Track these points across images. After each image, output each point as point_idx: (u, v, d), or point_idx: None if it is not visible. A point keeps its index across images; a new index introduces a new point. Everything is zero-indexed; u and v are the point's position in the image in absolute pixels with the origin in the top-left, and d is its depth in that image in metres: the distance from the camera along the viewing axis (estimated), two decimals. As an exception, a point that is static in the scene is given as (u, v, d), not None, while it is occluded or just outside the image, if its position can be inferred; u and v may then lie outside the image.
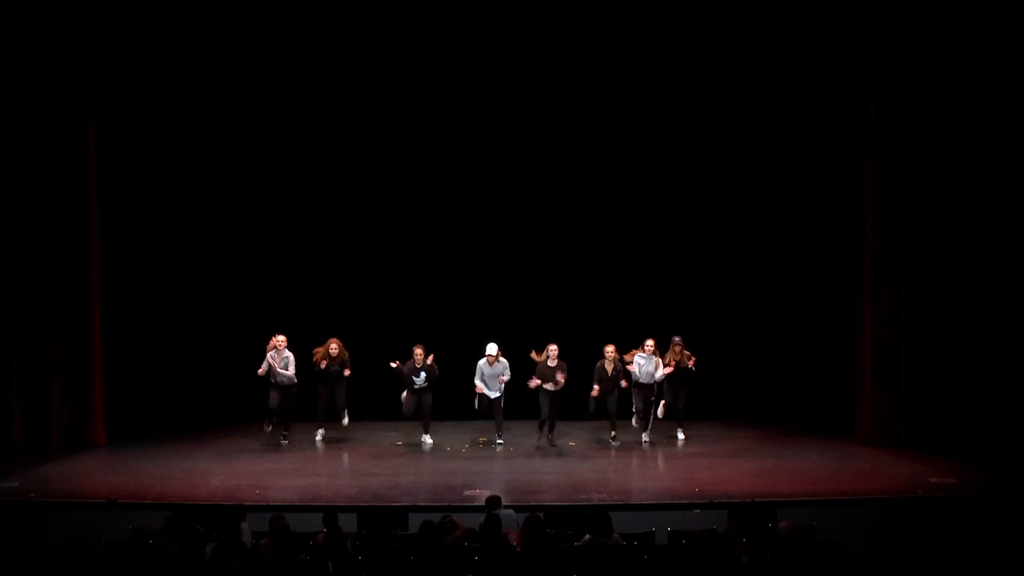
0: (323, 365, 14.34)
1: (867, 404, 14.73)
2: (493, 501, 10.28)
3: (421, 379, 13.99)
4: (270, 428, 14.49)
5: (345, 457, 14.12)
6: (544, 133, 16.15)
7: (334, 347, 14.37)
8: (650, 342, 14.25)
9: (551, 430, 14.39)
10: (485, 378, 14.31)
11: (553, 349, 14.17)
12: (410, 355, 14.14)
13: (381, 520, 10.48)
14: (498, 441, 14.43)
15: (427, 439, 14.45)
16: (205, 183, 16.03)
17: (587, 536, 9.04)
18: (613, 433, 14.53)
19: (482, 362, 14.32)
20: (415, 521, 10.50)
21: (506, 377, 14.29)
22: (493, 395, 14.36)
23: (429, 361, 14.03)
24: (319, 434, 14.75)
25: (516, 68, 15.79)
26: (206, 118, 15.86)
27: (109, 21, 14.77)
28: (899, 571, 8.35)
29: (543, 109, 16.04)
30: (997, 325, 14.12)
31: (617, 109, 16.12)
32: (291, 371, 14.26)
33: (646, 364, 14.28)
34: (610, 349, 14.24)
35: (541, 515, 9.23)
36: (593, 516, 9.24)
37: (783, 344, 16.06)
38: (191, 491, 12.13)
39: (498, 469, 13.44)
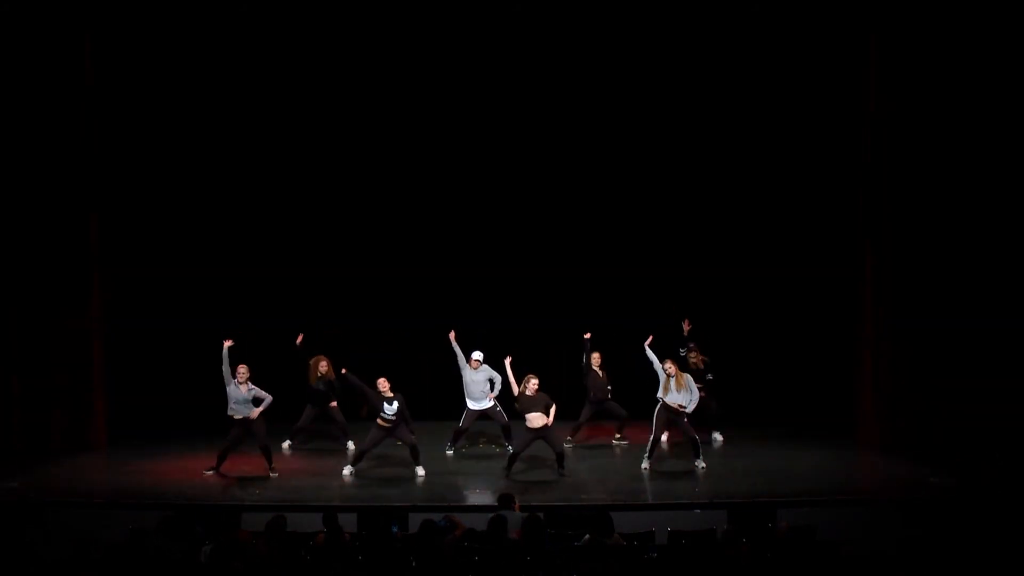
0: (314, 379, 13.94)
1: (867, 405, 14.73)
2: (505, 499, 10.23)
3: (393, 409, 12.78)
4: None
5: (345, 457, 14.10)
6: (544, 138, 16.13)
7: (323, 365, 13.91)
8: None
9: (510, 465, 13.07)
10: (468, 384, 13.87)
11: (534, 382, 12.82)
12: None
13: (381, 520, 10.50)
14: (510, 449, 13.71)
15: (419, 470, 13.09)
16: (205, 182, 16.01)
17: (587, 536, 9.06)
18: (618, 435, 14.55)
19: (466, 367, 13.88)
20: (415, 521, 10.51)
21: (495, 390, 13.71)
22: (477, 407, 13.87)
23: (385, 390, 12.75)
24: (286, 444, 14.46)
25: (516, 64, 15.77)
26: (206, 118, 15.84)
27: (109, 21, 14.77)
28: (899, 571, 8.35)
29: (541, 112, 16.03)
30: (997, 325, 14.12)
31: (616, 112, 16.09)
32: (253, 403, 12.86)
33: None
34: (595, 356, 14.22)
35: (541, 515, 9.24)
36: (593, 516, 9.26)
37: (784, 344, 16.04)
38: (191, 491, 12.15)
39: (498, 469, 13.40)
